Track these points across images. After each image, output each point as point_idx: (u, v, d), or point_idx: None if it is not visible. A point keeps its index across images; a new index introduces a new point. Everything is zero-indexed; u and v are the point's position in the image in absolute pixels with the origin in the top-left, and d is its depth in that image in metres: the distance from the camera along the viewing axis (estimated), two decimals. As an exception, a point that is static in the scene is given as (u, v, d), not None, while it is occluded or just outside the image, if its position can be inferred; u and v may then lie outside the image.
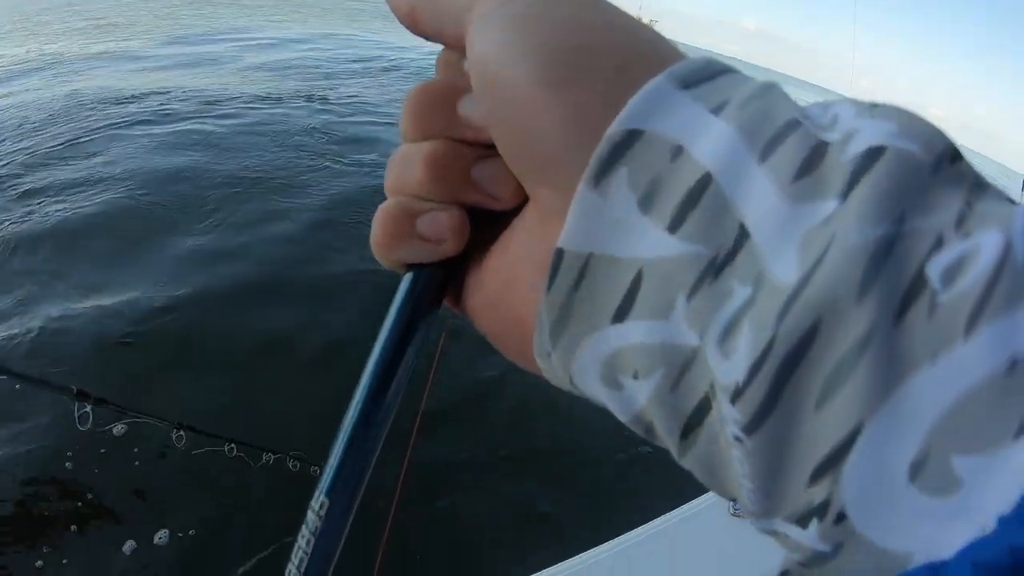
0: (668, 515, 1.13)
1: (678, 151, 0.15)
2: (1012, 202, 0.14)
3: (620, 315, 0.16)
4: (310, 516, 0.21)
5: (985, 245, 0.12)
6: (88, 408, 1.67)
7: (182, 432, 1.80)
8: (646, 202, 0.15)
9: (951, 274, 0.12)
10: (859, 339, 0.12)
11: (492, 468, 2.57)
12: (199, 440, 1.86)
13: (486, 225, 0.21)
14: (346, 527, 0.22)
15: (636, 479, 2.64)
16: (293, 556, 0.21)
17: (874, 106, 0.16)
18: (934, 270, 0.12)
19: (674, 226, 0.15)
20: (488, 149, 0.20)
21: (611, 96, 0.16)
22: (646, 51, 0.17)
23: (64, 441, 2.39)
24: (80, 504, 2.29)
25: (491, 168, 0.20)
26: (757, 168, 0.14)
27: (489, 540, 2.29)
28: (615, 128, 0.16)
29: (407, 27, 0.21)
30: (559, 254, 0.16)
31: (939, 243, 0.13)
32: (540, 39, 0.17)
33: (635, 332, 0.16)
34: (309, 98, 7.19)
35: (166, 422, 1.79)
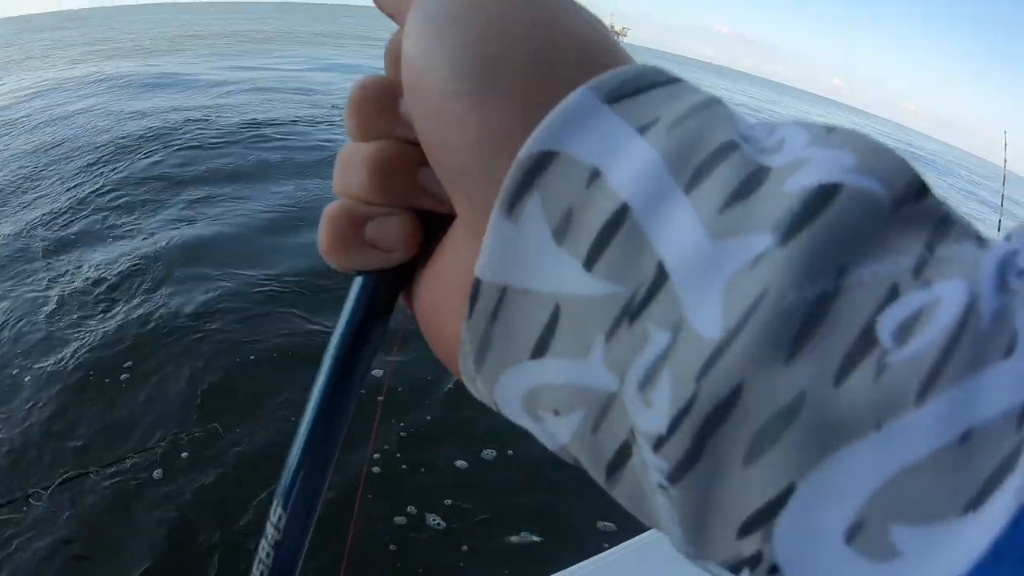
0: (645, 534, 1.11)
1: (595, 176, 0.14)
2: (982, 241, 0.13)
3: (538, 351, 0.15)
4: (268, 529, 0.21)
5: (946, 298, 0.11)
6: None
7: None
8: (560, 233, 0.14)
9: (905, 331, 0.11)
10: (787, 405, 0.11)
11: (462, 465, 2.56)
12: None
13: (439, 227, 0.19)
14: (306, 538, 0.21)
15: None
16: (254, 569, 0.21)
17: (830, 131, 0.14)
18: (886, 326, 0.11)
19: (589, 262, 0.14)
20: None
21: (530, 110, 0.15)
22: (577, 57, 0.16)
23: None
24: (413, 423, 2.63)
25: None
26: (681, 199, 0.13)
27: (461, 544, 2.26)
28: (527, 150, 0.15)
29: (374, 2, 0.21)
30: (476, 284, 0.16)
31: (893, 294, 0.12)
32: (460, 43, 0.16)
33: (554, 370, 0.15)
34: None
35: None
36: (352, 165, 0.20)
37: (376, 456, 2.51)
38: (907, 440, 0.11)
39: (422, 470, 2.53)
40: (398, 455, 2.56)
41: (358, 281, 0.20)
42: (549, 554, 2.18)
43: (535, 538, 2.27)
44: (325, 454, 0.20)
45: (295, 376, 2.79)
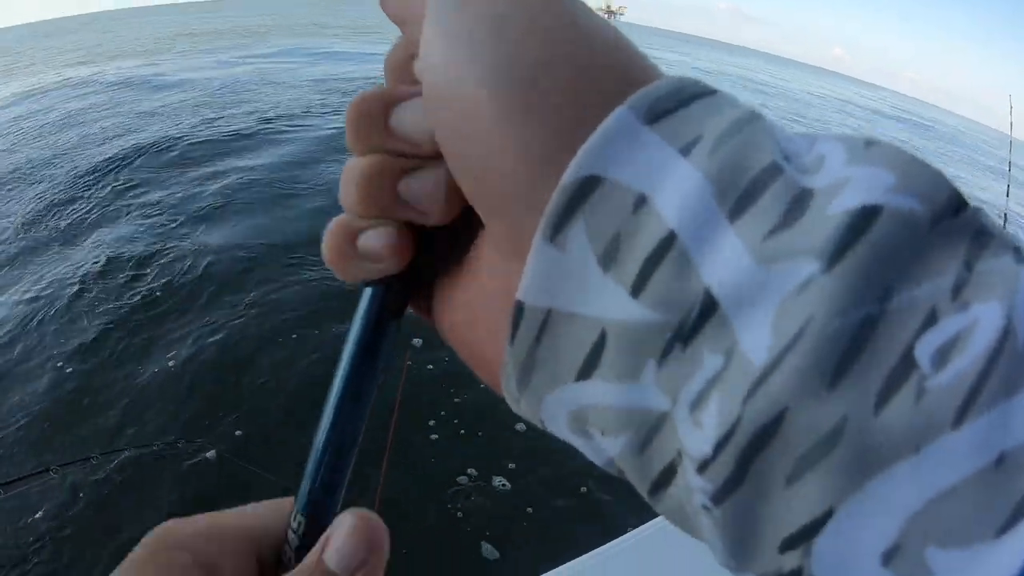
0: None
1: (641, 202, 0.14)
2: (1020, 252, 0.13)
3: (584, 373, 0.15)
4: (289, 535, 0.21)
5: (983, 321, 0.12)
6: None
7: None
8: (607, 259, 0.14)
9: (943, 355, 0.11)
10: (829, 431, 0.12)
11: (487, 465, 2.54)
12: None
13: (451, 235, 0.20)
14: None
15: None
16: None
17: (868, 145, 0.14)
18: (924, 351, 0.12)
19: (636, 290, 0.14)
20: (422, 160, 0.19)
21: (571, 131, 0.15)
22: (611, 69, 0.16)
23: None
24: (468, 388, 2.76)
25: (418, 183, 0.19)
26: (727, 227, 0.13)
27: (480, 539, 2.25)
28: (570, 176, 0.14)
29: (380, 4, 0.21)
30: (519, 307, 0.15)
31: (932, 318, 0.12)
32: (496, 58, 0.15)
33: (600, 392, 0.15)
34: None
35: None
36: (348, 180, 0.20)
37: (431, 423, 2.54)
38: (944, 463, 0.11)
39: (479, 434, 2.56)
40: (455, 421, 2.59)
41: (366, 292, 0.21)
42: (612, 515, 2.20)
43: (598, 498, 2.29)
44: (342, 460, 0.21)
45: (326, 343, 2.85)
